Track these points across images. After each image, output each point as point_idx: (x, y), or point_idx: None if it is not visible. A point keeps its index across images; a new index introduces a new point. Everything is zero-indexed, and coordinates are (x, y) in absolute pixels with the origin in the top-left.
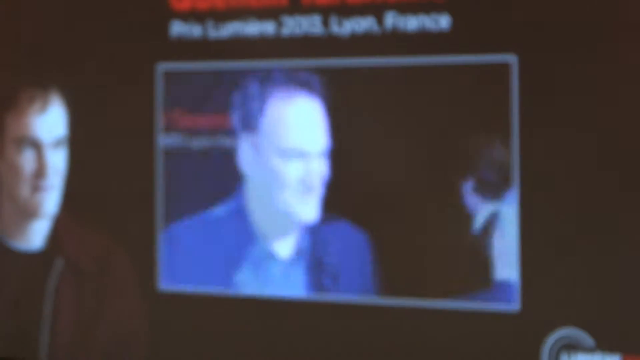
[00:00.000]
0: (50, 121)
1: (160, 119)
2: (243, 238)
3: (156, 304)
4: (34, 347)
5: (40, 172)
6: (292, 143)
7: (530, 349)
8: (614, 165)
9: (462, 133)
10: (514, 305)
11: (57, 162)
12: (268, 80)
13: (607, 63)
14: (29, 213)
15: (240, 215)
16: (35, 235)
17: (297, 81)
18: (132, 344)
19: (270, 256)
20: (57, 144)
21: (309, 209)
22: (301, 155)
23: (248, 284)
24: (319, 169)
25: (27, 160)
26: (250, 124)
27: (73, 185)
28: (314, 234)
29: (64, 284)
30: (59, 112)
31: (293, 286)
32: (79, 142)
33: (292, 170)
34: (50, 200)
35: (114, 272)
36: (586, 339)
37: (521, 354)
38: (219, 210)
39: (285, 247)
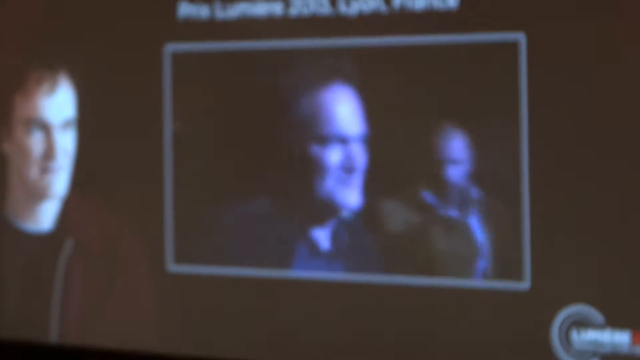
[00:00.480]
0: (58, 103)
1: (168, 100)
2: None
3: (166, 285)
4: (45, 328)
5: (49, 154)
6: (331, 129)
7: (540, 326)
8: (626, 143)
9: (470, 113)
10: (524, 282)
11: (66, 143)
12: (299, 66)
13: (617, 41)
14: (38, 194)
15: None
16: (45, 216)
17: (328, 66)
18: (141, 324)
19: (309, 244)
20: (65, 125)
21: (352, 195)
22: (341, 140)
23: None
24: (358, 154)
25: (35, 141)
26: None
27: (82, 167)
28: (354, 219)
29: (74, 265)
30: (68, 94)
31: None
32: (87, 123)
33: (333, 156)
34: (59, 181)
35: (123, 253)
36: (596, 315)
37: (531, 331)
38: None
39: (323, 236)
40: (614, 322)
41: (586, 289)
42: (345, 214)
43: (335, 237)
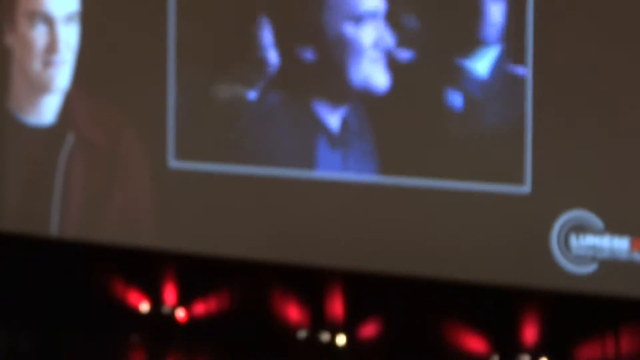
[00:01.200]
0: None
1: None
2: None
3: (166, 181)
4: (45, 221)
5: (52, 47)
6: (364, 5)
7: (540, 230)
8: (634, 37)
9: None
10: (525, 187)
11: (69, 37)
12: None
13: None
14: (40, 88)
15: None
16: (47, 110)
17: None
18: (141, 219)
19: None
20: (69, 19)
21: (382, 76)
22: (373, 16)
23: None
24: (384, 32)
25: (39, 35)
26: None
27: (85, 61)
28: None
29: (75, 159)
30: None
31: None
32: (90, 17)
33: (366, 36)
34: (62, 75)
35: (124, 148)
36: (595, 221)
37: (531, 235)
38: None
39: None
40: (613, 228)
41: (586, 194)
42: (372, 95)
43: (357, 122)
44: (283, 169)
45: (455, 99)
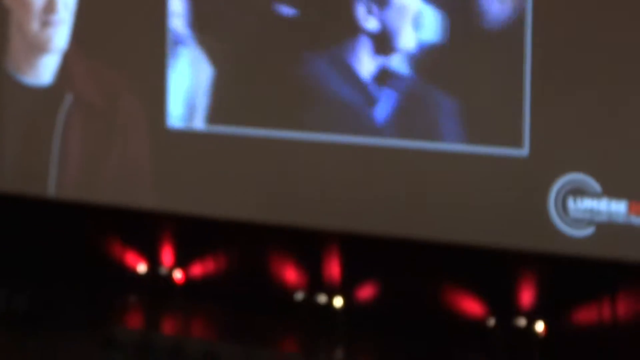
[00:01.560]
0: None
1: None
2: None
3: (164, 142)
4: (43, 181)
5: (50, 7)
6: None
7: (538, 193)
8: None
9: None
10: (523, 150)
11: None
12: None
13: None
14: (38, 48)
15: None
16: (45, 70)
17: None
18: (139, 180)
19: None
20: None
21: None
22: None
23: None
24: None
25: None
26: None
27: (83, 21)
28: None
29: (73, 120)
30: None
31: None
32: None
33: None
34: (60, 35)
35: (123, 108)
36: (593, 184)
37: (528, 198)
38: None
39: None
40: (610, 191)
41: (584, 157)
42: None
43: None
44: (280, 131)
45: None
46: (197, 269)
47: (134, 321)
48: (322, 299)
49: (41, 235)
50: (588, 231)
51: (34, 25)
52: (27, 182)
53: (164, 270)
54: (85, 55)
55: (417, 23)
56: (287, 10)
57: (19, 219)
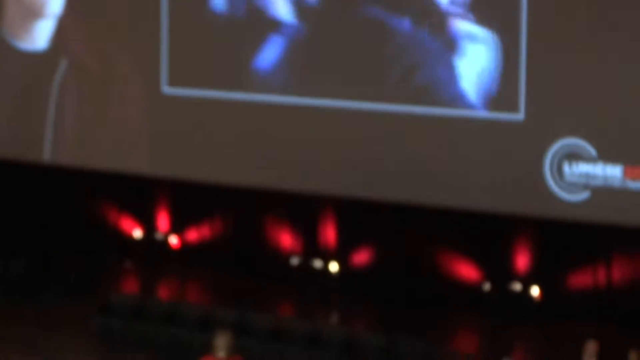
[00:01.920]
0: None
1: None
2: None
3: (160, 107)
4: (38, 147)
5: None
6: None
7: (533, 158)
8: None
9: None
10: (519, 115)
11: None
12: None
13: None
14: (33, 13)
15: None
16: (40, 35)
17: None
18: (134, 146)
19: None
20: None
21: None
22: None
23: None
24: None
25: None
26: None
27: None
28: None
29: (68, 85)
30: None
31: None
32: None
33: None
34: (55, 0)
35: (118, 74)
36: (588, 149)
37: (524, 162)
38: None
39: None
40: (605, 156)
41: (579, 122)
42: None
43: None
44: (276, 96)
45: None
46: (193, 235)
47: (130, 286)
48: (317, 263)
49: (37, 200)
50: (583, 195)
51: None
52: (24, 148)
53: (159, 235)
54: (80, 21)
55: None
56: None
57: (16, 185)
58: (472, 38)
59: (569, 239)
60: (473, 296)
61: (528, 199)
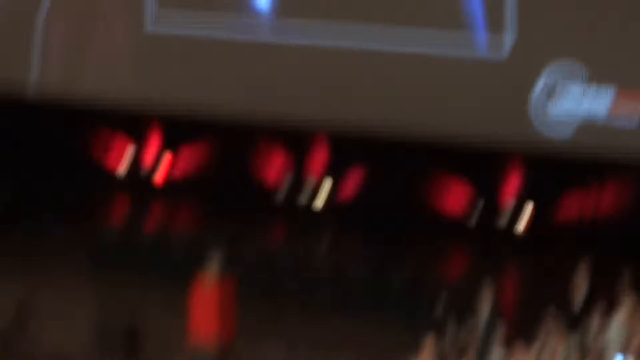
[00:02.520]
0: None
1: None
2: None
3: (144, 45)
4: (24, 79)
5: None
6: None
7: (526, 79)
8: None
9: None
10: (511, 35)
11: None
12: None
13: None
14: None
15: None
16: None
17: None
18: (119, 82)
19: None
20: None
21: None
22: None
23: None
24: None
25: None
26: None
27: None
28: None
29: (53, 20)
30: None
31: None
32: None
33: None
34: None
35: (103, 10)
36: (580, 70)
37: (510, 99)
38: None
39: None
40: (598, 77)
41: (572, 42)
42: None
43: None
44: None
45: None
46: (179, 170)
47: (116, 219)
48: (304, 197)
49: (25, 134)
50: (568, 132)
51: None
52: (9, 84)
53: (145, 171)
54: None
55: None
56: None
57: (3, 119)
58: None
59: (554, 175)
60: (459, 230)
61: (514, 135)
